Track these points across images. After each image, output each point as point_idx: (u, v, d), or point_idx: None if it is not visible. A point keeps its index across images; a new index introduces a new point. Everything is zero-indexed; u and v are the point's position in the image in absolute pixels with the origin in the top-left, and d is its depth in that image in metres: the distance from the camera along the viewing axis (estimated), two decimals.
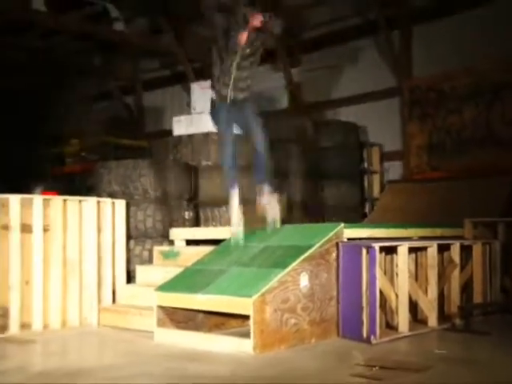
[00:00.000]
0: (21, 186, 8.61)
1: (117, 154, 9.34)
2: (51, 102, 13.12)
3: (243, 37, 5.73)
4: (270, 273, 5.21)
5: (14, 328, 5.96)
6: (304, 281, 5.29)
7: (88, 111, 12.93)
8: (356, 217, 8.95)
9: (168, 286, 5.69)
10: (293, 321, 5.16)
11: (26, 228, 6.08)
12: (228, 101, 5.88)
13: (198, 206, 7.89)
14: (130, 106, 12.94)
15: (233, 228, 5.93)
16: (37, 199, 6.23)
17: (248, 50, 5.86)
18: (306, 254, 5.34)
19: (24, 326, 6.03)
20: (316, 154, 9.05)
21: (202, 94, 8.25)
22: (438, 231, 6.51)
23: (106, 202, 6.73)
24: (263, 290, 5.00)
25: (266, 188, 5.97)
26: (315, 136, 9.07)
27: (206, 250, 6.24)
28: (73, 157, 11.78)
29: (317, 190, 8.90)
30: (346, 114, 10.59)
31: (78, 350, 5.46)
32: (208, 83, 8.20)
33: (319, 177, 9.02)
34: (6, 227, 6.02)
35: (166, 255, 6.74)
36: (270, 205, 5.96)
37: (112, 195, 6.96)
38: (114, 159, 8.23)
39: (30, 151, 12.09)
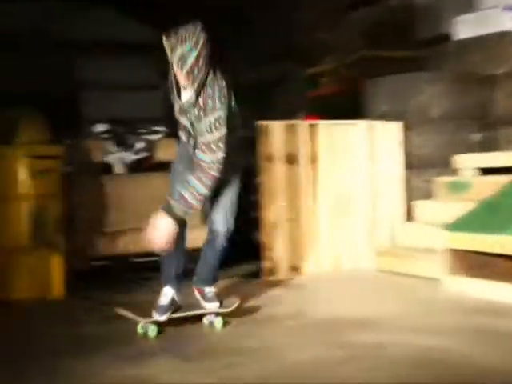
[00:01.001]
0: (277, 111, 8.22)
1: (382, 70, 8.53)
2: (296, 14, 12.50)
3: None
4: None
5: (282, 271, 5.70)
6: None
7: (344, 21, 12.13)
8: None
9: (459, 225, 5.05)
10: None
11: (290, 159, 5.78)
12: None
13: (492, 126, 6.81)
14: (395, 10, 11.87)
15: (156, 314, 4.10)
16: (302, 125, 5.92)
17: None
18: None
19: (292, 268, 5.75)
20: None
21: None
22: None
23: (379, 125, 6.22)
24: None
25: (210, 291, 4.33)
26: None
27: (505, 179, 5.39)
28: (329, 76, 11.20)
29: None
30: None
31: (355, 296, 5.07)
32: None
33: None
34: (269, 158, 5.70)
35: (454, 187, 6.08)
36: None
37: (382, 117, 6.36)
38: (379, 75, 7.40)
39: (283, 71, 11.72)
